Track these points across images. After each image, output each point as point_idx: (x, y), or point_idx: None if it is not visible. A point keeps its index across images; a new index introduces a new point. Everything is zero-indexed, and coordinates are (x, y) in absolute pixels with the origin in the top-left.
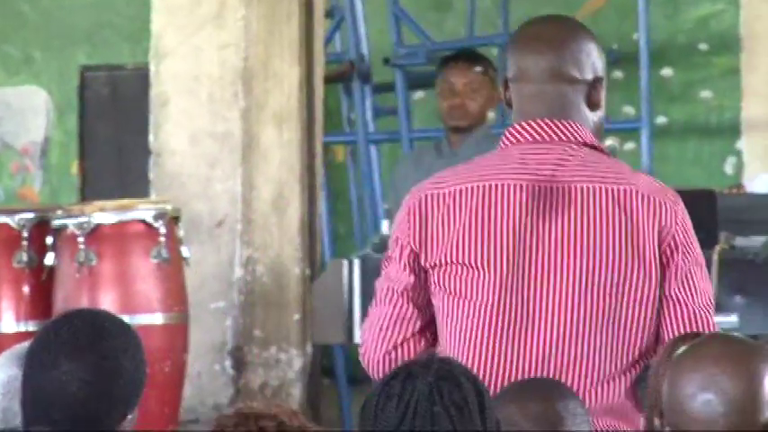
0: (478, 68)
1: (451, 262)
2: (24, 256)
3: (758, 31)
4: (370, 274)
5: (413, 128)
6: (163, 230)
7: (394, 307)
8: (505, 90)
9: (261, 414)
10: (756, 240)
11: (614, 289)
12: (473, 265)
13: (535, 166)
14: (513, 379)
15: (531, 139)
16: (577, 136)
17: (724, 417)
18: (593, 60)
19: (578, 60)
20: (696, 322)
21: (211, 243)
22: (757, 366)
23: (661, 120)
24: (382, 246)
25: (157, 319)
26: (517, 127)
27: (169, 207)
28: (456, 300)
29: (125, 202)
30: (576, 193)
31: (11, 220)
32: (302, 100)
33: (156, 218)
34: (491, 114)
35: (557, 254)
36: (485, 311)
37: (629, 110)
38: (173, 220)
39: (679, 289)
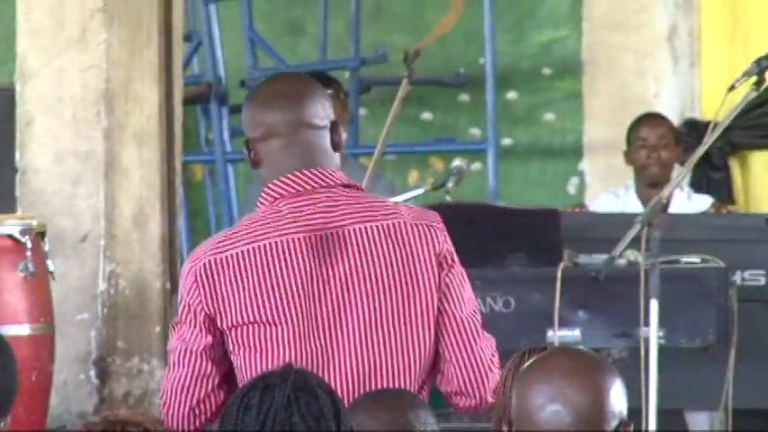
0: (329, 90)
1: (248, 322)
2: None
3: (599, 57)
4: None
5: None
6: (29, 245)
7: (192, 368)
8: (250, 151)
9: (126, 421)
10: (598, 258)
11: (401, 319)
12: (268, 321)
13: (306, 216)
14: None
15: (294, 191)
16: (335, 180)
17: (572, 427)
18: (326, 107)
19: (317, 109)
20: (467, 329)
21: (76, 258)
22: (603, 379)
23: (506, 141)
24: None
25: (24, 330)
26: (278, 183)
27: (35, 223)
28: (256, 355)
29: None
30: (351, 235)
31: None
32: (162, 120)
33: (23, 233)
34: (343, 134)
35: (343, 296)
36: (284, 361)
37: (475, 131)
38: (38, 235)
39: (454, 303)
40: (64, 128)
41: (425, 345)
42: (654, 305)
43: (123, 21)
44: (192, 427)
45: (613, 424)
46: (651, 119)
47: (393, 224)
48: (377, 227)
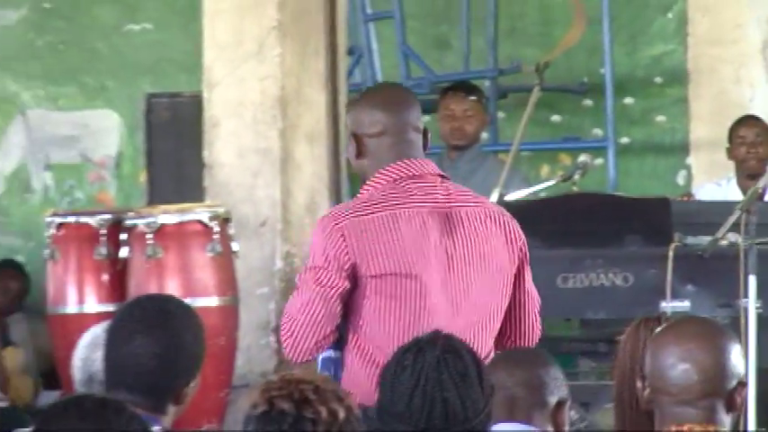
0: (473, 97)
1: (389, 273)
2: (103, 250)
3: (701, 67)
4: None
5: None
6: (216, 229)
7: (327, 308)
8: (359, 143)
9: (301, 379)
10: (703, 239)
11: (494, 290)
12: (406, 274)
13: (430, 195)
14: None
15: (410, 174)
16: (435, 170)
17: (698, 384)
18: (420, 116)
19: (418, 115)
20: (532, 304)
21: (256, 240)
22: (725, 343)
23: (624, 140)
24: None
25: (213, 302)
26: (394, 166)
27: (221, 210)
28: (392, 302)
29: (185, 205)
30: (465, 215)
31: (92, 220)
32: (329, 122)
33: (211, 219)
34: (484, 134)
35: (462, 265)
36: (418, 308)
37: (597, 131)
38: (224, 220)
39: (525, 283)
40: (245, 128)
41: (502, 311)
42: (752, 280)
43: (295, 37)
44: (311, 358)
45: (733, 383)
46: (749, 120)
47: (490, 210)
48: (482, 211)
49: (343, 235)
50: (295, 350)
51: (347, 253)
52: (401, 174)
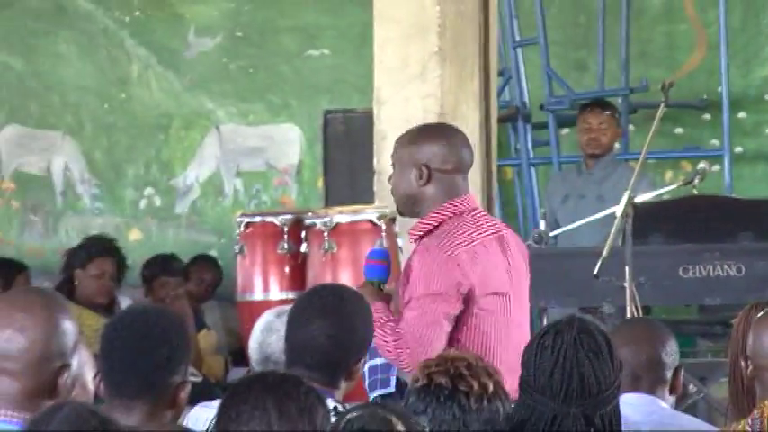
0: (608, 112)
1: (490, 293)
2: (285, 246)
3: None
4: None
5: (560, 154)
6: (384, 227)
7: (446, 333)
8: (428, 173)
9: (456, 357)
10: None
11: (528, 295)
12: (500, 292)
13: (490, 224)
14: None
15: (469, 208)
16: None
17: None
18: None
19: None
20: None
21: None
22: None
23: (738, 149)
24: (540, 238)
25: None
26: (458, 201)
27: (388, 211)
28: (492, 316)
29: (356, 207)
30: (509, 239)
31: (275, 220)
32: (482, 135)
33: (379, 218)
34: (616, 145)
35: (517, 280)
36: (506, 321)
37: (714, 142)
38: (391, 220)
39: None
40: None
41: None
42: None
43: (453, 61)
44: None
45: None
46: None
47: (514, 234)
48: (512, 234)
49: (458, 264)
50: (414, 360)
51: (463, 279)
52: (464, 207)
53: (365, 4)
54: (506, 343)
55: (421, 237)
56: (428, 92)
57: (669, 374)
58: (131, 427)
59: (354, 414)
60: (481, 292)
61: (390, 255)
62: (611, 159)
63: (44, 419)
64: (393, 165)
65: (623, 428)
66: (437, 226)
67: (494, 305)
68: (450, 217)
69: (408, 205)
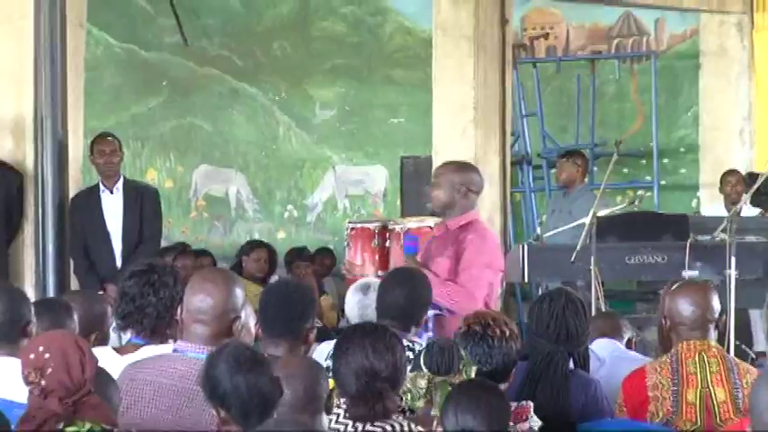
0: (579, 160)
1: (503, 270)
2: (376, 242)
3: (706, 144)
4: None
5: (551, 185)
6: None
7: (484, 293)
8: (467, 192)
9: (486, 313)
10: (706, 237)
11: None
12: (502, 269)
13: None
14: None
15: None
16: None
17: (700, 317)
18: None
19: None
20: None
21: None
22: (712, 293)
23: (663, 182)
24: (537, 238)
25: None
26: (476, 211)
27: (440, 220)
28: (498, 287)
29: (421, 217)
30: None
31: (370, 226)
32: (501, 172)
33: (434, 224)
34: (586, 179)
35: None
36: (498, 289)
37: (648, 177)
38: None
39: None
40: None
41: None
42: (733, 260)
43: (483, 126)
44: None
45: (716, 315)
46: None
47: None
48: None
49: (501, 251)
50: (461, 308)
51: (503, 262)
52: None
53: (428, 89)
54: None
55: (459, 227)
56: (467, 145)
57: (625, 336)
58: (277, 357)
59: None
60: (501, 272)
61: (419, 240)
62: (581, 189)
63: (219, 351)
64: (436, 182)
65: (593, 359)
66: (470, 222)
67: (497, 280)
68: (477, 219)
69: (444, 209)
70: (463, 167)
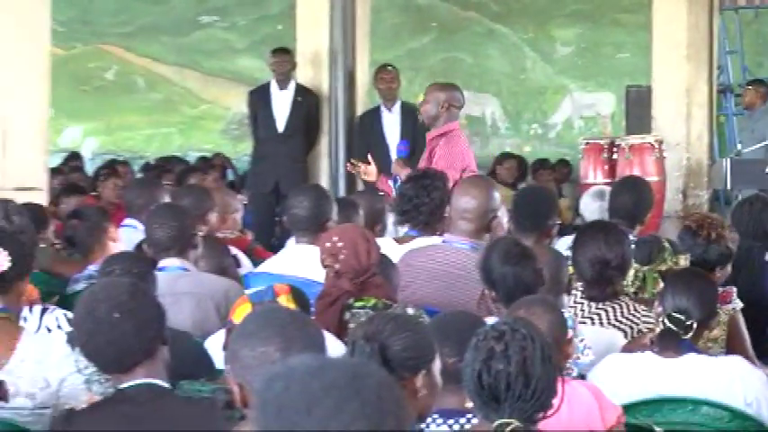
0: None
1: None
2: (605, 155)
3: None
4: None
5: None
6: (656, 145)
7: None
8: (448, 107)
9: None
10: None
11: None
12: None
13: None
14: None
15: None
16: None
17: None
18: None
19: None
20: None
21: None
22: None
23: None
24: None
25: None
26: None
27: (660, 137)
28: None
29: (643, 135)
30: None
31: (600, 141)
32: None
33: (654, 141)
34: None
35: None
36: None
37: None
38: (659, 143)
39: None
40: None
41: None
42: None
43: (693, 61)
44: None
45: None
46: None
47: None
48: None
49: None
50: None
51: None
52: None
53: (649, 30)
54: None
55: (438, 135)
56: (680, 77)
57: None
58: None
59: None
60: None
61: (410, 144)
62: (763, 110)
63: (494, 244)
64: (425, 99)
65: None
66: (446, 132)
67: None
68: (454, 129)
69: (432, 121)
70: (447, 87)
